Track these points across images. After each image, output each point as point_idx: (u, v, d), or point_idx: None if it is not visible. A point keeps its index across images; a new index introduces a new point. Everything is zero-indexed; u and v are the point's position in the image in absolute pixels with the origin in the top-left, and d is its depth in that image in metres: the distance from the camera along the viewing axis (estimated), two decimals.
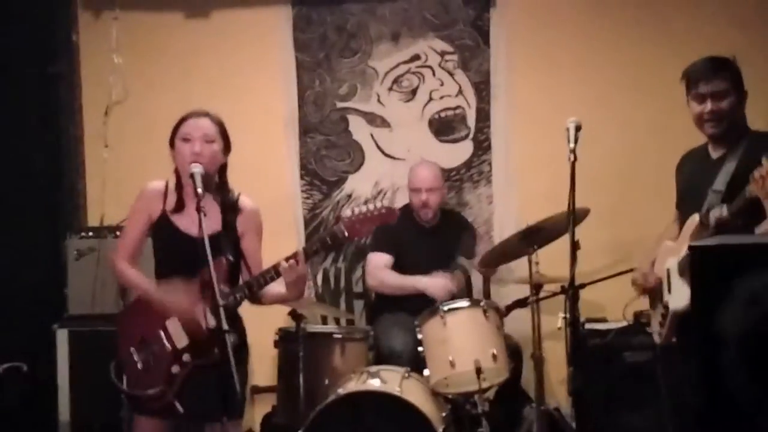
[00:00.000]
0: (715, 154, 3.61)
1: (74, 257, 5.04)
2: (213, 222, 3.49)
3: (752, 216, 3.29)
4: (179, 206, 3.57)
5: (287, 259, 3.42)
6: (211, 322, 3.36)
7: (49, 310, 5.02)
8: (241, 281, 3.60)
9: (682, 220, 3.65)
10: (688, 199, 3.65)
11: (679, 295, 3.49)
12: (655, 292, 3.74)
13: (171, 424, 3.55)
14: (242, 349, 3.58)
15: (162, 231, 3.59)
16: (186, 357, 3.48)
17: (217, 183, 3.60)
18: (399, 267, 5.09)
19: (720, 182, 3.49)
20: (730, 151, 3.53)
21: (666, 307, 3.60)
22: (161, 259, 3.62)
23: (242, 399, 3.55)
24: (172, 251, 3.56)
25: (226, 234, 3.53)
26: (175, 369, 3.48)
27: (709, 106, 3.52)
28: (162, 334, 3.51)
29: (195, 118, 3.56)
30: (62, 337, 4.90)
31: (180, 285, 3.46)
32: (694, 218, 3.52)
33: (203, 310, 3.38)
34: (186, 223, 3.53)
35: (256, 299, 3.61)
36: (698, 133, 3.63)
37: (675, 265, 3.55)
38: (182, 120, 3.57)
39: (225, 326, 3.10)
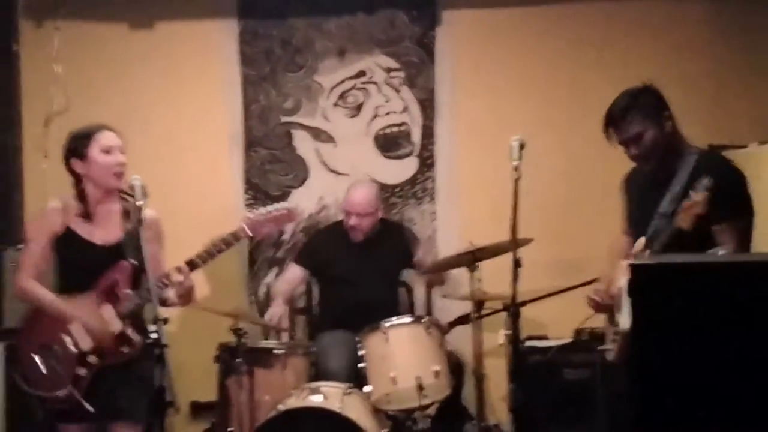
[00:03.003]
0: (661, 175, 3.58)
1: (11, 270, 4.94)
2: (115, 227, 3.69)
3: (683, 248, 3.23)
4: (85, 215, 3.72)
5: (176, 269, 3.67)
6: (117, 325, 3.59)
7: None
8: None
9: (632, 237, 3.65)
10: (637, 220, 3.65)
11: (627, 315, 3.46)
12: (610, 310, 3.74)
13: (91, 428, 3.67)
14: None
15: (66, 243, 3.72)
16: (92, 358, 3.59)
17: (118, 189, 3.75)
18: (325, 280, 5.15)
19: (665, 205, 3.48)
20: (674, 174, 3.51)
21: (617, 326, 3.60)
22: (65, 269, 3.76)
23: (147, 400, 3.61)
24: (78, 261, 3.70)
25: (129, 239, 3.64)
26: (80, 371, 3.60)
27: (631, 150, 3.54)
28: (65, 337, 3.62)
29: (105, 131, 3.74)
30: None
31: (85, 299, 3.63)
32: (641, 242, 3.52)
33: (110, 313, 3.59)
34: (91, 232, 3.70)
35: (162, 302, 3.70)
36: None
37: (625, 285, 3.54)
38: (90, 133, 3.72)
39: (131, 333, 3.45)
